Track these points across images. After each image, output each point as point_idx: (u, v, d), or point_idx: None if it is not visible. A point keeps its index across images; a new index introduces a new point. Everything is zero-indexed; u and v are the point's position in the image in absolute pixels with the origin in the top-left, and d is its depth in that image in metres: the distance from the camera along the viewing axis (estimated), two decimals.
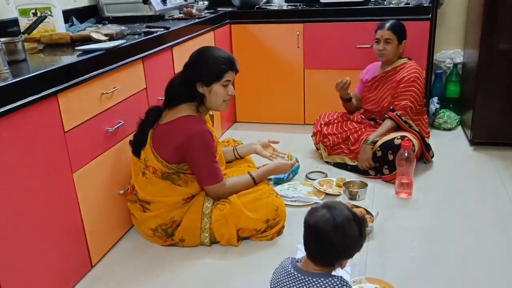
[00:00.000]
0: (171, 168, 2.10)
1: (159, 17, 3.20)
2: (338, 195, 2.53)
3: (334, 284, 1.41)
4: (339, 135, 2.95)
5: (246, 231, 2.15)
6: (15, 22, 2.47)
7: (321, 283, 1.41)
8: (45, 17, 2.24)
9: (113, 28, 2.57)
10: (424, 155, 2.86)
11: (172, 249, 2.18)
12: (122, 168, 2.24)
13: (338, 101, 3.18)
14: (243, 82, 3.72)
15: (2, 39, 1.99)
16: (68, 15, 2.95)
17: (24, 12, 2.45)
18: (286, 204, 2.45)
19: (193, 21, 3.08)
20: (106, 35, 2.38)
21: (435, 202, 2.48)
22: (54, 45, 2.35)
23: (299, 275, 1.44)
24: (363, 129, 2.94)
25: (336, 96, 3.19)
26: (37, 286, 1.74)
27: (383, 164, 2.70)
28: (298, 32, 3.47)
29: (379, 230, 2.24)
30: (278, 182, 2.74)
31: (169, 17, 3.31)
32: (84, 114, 1.96)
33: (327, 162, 3.00)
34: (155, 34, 2.53)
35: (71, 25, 2.90)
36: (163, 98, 2.20)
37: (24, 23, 2.45)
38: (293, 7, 3.59)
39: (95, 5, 3.24)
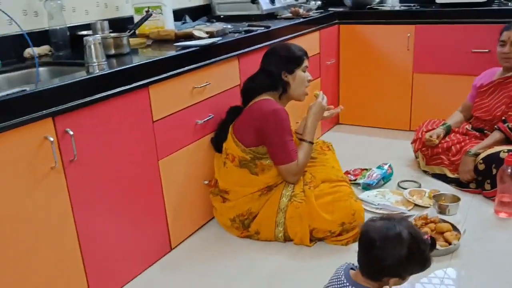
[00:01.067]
0: (249, 153, 2.17)
1: (267, 16, 3.27)
2: (427, 207, 2.38)
3: None
4: (440, 145, 2.76)
5: (320, 232, 2.13)
6: (131, 19, 2.71)
7: None
8: (150, 15, 2.43)
9: (216, 26, 2.71)
10: None
11: (248, 241, 2.24)
12: (208, 160, 2.35)
13: (447, 108, 2.99)
14: (349, 84, 3.66)
15: (112, 34, 2.21)
16: (183, 13, 3.17)
17: (138, 10, 2.68)
18: (370, 211, 2.40)
19: (297, 21, 3.10)
20: (207, 32, 2.51)
21: None
22: (160, 41, 2.53)
23: (347, 283, 1.40)
24: (467, 141, 2.71)
25: (445, 103, 3.01)
26: (119, 262, 1.91)
27: (486, 179, 2.48)
28: (409, 34, 3.31)
29: (466, 250, 2.07)
30: (366, 187, 2.66)
31: (277, 16, 3.37)
32: (174, 106, 2.10)
33: (425, 172, 2.83)
34: (253, 33, 2.61)
35: (183, 23, 3.10)
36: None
37: (137, 20, 2.68)
38: (407, 7, 3.43)
39: (209, 4, 3.42)
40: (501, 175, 2.29)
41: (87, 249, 1.75)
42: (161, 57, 2.01)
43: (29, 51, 2.20)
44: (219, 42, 2.34)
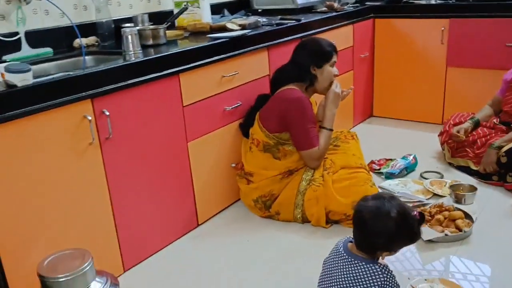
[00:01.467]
0: (272, 138, 2.33)
1: (302, 10, 3.39)
2: (445, 196, 2.45)
3: (375, 270, 1.47)
4: (466, 138, 2.80)
5: (336, 215, 2.26)
6: (172, 13, 2.91)
7: (363, 267, 1.48)
8: (185, 9, 2.62)
9: (250, 19, 2.87)
10: None
11: (269, 221, 2.40)
12: (236, 144, 2.52)
13: (480, 102, 3.02)
14: (383, 76, 3.73)
15: (150, 26, 2.42)
16: (222, 7, 3.35)
17: (178, 4, 2.88)
18: None
19: (330, 15, 3.21)
20: (240, 25, 2.68)
21: None
22: (196, 33, 2.72)
23: (346, 255, 1.53)
24: (493, 134, 2.75)
25: (478, 98, 3.04)
26: (148, 232, 2.13)
27: (508, 171, 2.52)
28: (443, 28, 3.34)
29: (478, 236, 2.14)
30: (389, 177, 2.75)
31: (313, 10, 3.48)
32: (203, 93, 2.28)
33: (450, 164, 2.88)
34: (283, 26, 2.75)
35: (222, 16, 3.29)
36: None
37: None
38: (442, 1, 3.45)
39: None
40: None
41: (119, 217, 1.97)
42: (190, 48, 2.20)
43: (77, 41, 2.45)
44: (248, 34, 2.50)
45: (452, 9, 3.32)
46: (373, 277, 1.45)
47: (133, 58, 2.00)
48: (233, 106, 2.45)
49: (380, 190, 2.41)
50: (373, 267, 1.48)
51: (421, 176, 2.76)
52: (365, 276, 1.46)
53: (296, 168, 2.38)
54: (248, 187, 2.42)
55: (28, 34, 2.26)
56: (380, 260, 1.53)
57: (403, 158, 2.87)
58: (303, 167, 2.38)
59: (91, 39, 2.54)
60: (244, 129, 2.50)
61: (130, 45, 2.02)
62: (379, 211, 1.45)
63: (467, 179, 2.68)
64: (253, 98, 2.53)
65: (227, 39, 2.38)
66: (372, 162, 2.92)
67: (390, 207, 1.46)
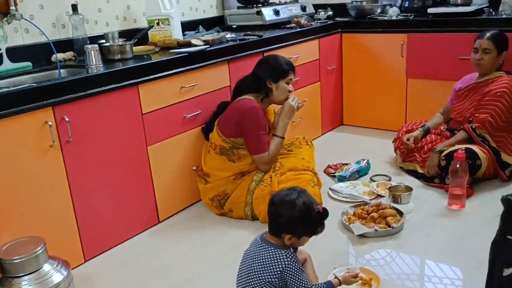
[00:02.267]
0: (228, 142, 2.57)
1: (271, 26, 3.64)
2: (384, 196, 2.67)
3: (280, 254, 1.68)
4: (415, 145, 3.02)
5: None
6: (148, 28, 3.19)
7: (271, 251, 1.70)
8: (151, 27, 2.90)
9: (215, 35, 3.13)
10: (498, 173, 2.77)
11: (224, 218, 2.64)
12: (197, 148, 2.76)
13: (438, 111, 3.22)
14: (351, 87, 3.96)
15: (117, 43, 2.70)
16: (198, 23, 3.63)
17: (151, 22, 3.16)
18: (337, 199, 2.72)
19: (295, 30, 3.46)
20: (204, 41, 2.94)
21: (485, 219, 2.43)
22: (165, 48, 2.99)
23: (260, 242, 1.77)
24: (438, 140, 2.96)
25: (436, 106, 3.24)
26: (109, 226, 2.38)
27: (447, 174, 2.72)
28: (402, 42, 3.57)
29: (408, 232, 2.35)
30: (341, 179, 2.97)
31: (282, 26, 3.73)
32: (163, 102, 2.54)
33: (401, 168, 3.10)
34: (244, 41, 3.01)
35: (196, 32, 3.56)
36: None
37: (150, 30, 3.16)
38: (404, 17, 3.69)
39: (222, 16, 3.85)
40: (452, 170, 2.53)
41: (80, 212, 2.23)
42: (149, 62, 2.47)
43: (55, 56, 2.73)
44: (208, 49, 2.76)
45: (411, 25, 3.56)
46: (278, 260, 1.67)
47: (95, 71, 2.27)
48: (193, 114, 2.70)
49: (332, 193, 2.65)
50: (279, 251, 1.69)
51: (371, 179, 2.98)
52: (271, 258, 1.68)
53: (249, 170, 2.62)
54: (205, 186, 2.66)
55: (9, 50, 2.55)
56: (298, 250, 1.76)
57: (357, 162, 3.09)
58: (255, 169, 2.62)
59: (68, 54, 2.82)
60: (206, 133, 2.74)
61: (92, 60, 2.29)
62: (287, 197, 1.70)
63: (413, 182, 2.89)
64: (214, 106, 2.77)
65: (187, 54, 2.64)
66: (329, 166, 3.15)
67: (297, 197, 1.70)
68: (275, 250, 1.70)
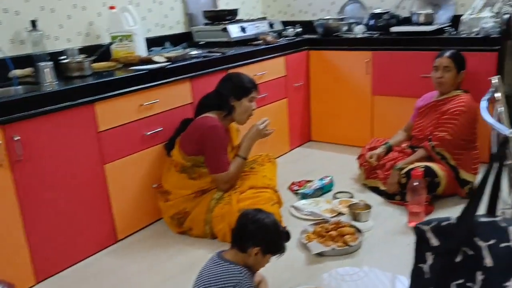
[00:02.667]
0: (189, 160, 2.54)
1: (237, 43, 3.65)
2: (345, 214, 2.67)
3: (235, 270, 1.71)
4: (378, 162, 3.04)
5: None
6: (109, 46, 3.17)
7: (226, 267, 1.73)
8: (111, 43, 2.87)
9: (179, 52, 3.12)
10: (457, 190, 2.80)
11: (184, 237, 2.61)
12: (158, 166, 2.73)
13: (402, 128, 3.25)
14: (319, 104, 3.98)
15: (76, 59, 2.67)
16: (165, 39, 3.62)
17: (114, 38, 3.14)
18: (298, 217, 2.72)
19: (260, 47, 3.47)
20: (167, 58, 2.93)
21: None
22: (128, 64, 2.97)
23: (216, 258, 1.78)
24: (400, 158, 2.98)
25: (401, 123, 3.27)
26: (63, 247, 2.32)
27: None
28: (366, 60, 3.61)
29: (366, 250, 2.35)
30: (304, 196, 2.96)
31: (249, 43, 3.74)
32: (121, 119, 2.51)
33: (365, 185, 3.11)
34: (207, 58, 3.00)
35: (162, 48, 3.55)
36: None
37: (114, 46, 3.14)
38: (369, 35, 3.73)
39: (190, 32, 3.85)
40: (410, 187, 2.55)
41: (31, 232, 2.18)
42: (105, 79, 2.44)
43: (13, 72, 2.68)
44: (169, 66, 2.75)
45: (375, 43, 3.60)
46: (231, 276, 1.69)
47: (48, 89, 2.23)
48: (153, 131, 2.68)
49: (294, 210, 2.67)
50: (234, 268, 1.71)
51: (334, 196, 2.98)
52: (224, 274, 1.70)
53: (209, 189, 2.60)
54: (166, 204, 2.63)
55: None
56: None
57: (320, 179, 3.09)
58: (215, 188, 2.59)
59: (27, 70, 2.77)
60: (168, 149, 2.70)
61: (46, 77, 2.26)
62: (259, 212, 1.82)
63: (375, 199, 2.90)
64: (176, 123, 2.75)
65: (146, 71, 2.62)
66: (293, 183, 3.15)
67: (267, 216, 1.81)
68: (230, 266, 1.73)
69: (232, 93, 2.63)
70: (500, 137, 1.21)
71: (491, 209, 1.22)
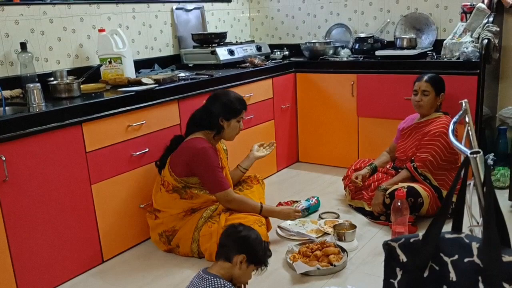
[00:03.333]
0: (180, 182, 2.57)
1: (225, 65, 3.71)
2: (330, 234, 2.70)
3: (218, 283, 1.75)
4: (363, 183, 3.08)
5: None
6: (99, 67, 3.21)
7: (209, 280, 1.78)
8: (100, 65, 2.92)
9: (167, 74, 3.17)
10: None
11: (171, 257, 2.62)
12: (146, 186, 2.76)
13: (386, 149, 3.31)
14: (306, 125, 4.04)
15: (65, 81, 2.70)
16: (154, 62, 3.67)
17: (103, 60, 3.18)
18: (285, 237, 2.74)
19: (247, 70, 3.53)
20: (155, 80, 2.98)
21: None
22: (116, 86, 3.00)
23: (202, 273, 1.82)
24: (384, 179, 3.03)
25: (386, 145, 3.33)
26: (49, 268, 2.32)
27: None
28: (352, 82, 3.69)
29: (350, 270, 2.38)
30: None
31: (237, 65, 3.81)
32: (108, 140, 2.54)
33: (350, 205, 3.15)
34: (194, 80, 3.06)
35: (151, 70, 3.60)
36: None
37: (103, 68, 3.18)
38: (354, 58, 3.82)
39: (179, 54, 3.91)
40: (394, 208, 2.59)
41: (16, 252, 2.18)
42: (93, 101, 2.48)
43: (0, 93, 2.71)
44: (157, 88, 2.80)
45: (360, 66, 3.68)
46: None
47: (36, 110, 2.26)
48: (140, 152, 2.71)
49: (280, 230, 2.73)
50: (217, 281, 1.76)
51: (320, 216, 3.01)
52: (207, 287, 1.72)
53: (199, 208, 2.62)
54: (155, 222, 2.64)
55: None
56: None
57: (307, 200, 3.12)
58: (206, 207, 2.62)
59: (16, 91, 2.80)
60: (159, 168, 2.72)
61: (34, 98, 2.29)
62: (242, 225, 1.95)
63: (360, 219, 2.93)
64: (163, 144, 2.76)
65: (134, 93, 2.66)
66: (280, 204, 3.17)
67: (251, 229, 1.95)
68: (214, 279, 1.78)
69: (221, 114, 2.66)
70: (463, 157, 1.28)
71: (457, 226, 1.26)
